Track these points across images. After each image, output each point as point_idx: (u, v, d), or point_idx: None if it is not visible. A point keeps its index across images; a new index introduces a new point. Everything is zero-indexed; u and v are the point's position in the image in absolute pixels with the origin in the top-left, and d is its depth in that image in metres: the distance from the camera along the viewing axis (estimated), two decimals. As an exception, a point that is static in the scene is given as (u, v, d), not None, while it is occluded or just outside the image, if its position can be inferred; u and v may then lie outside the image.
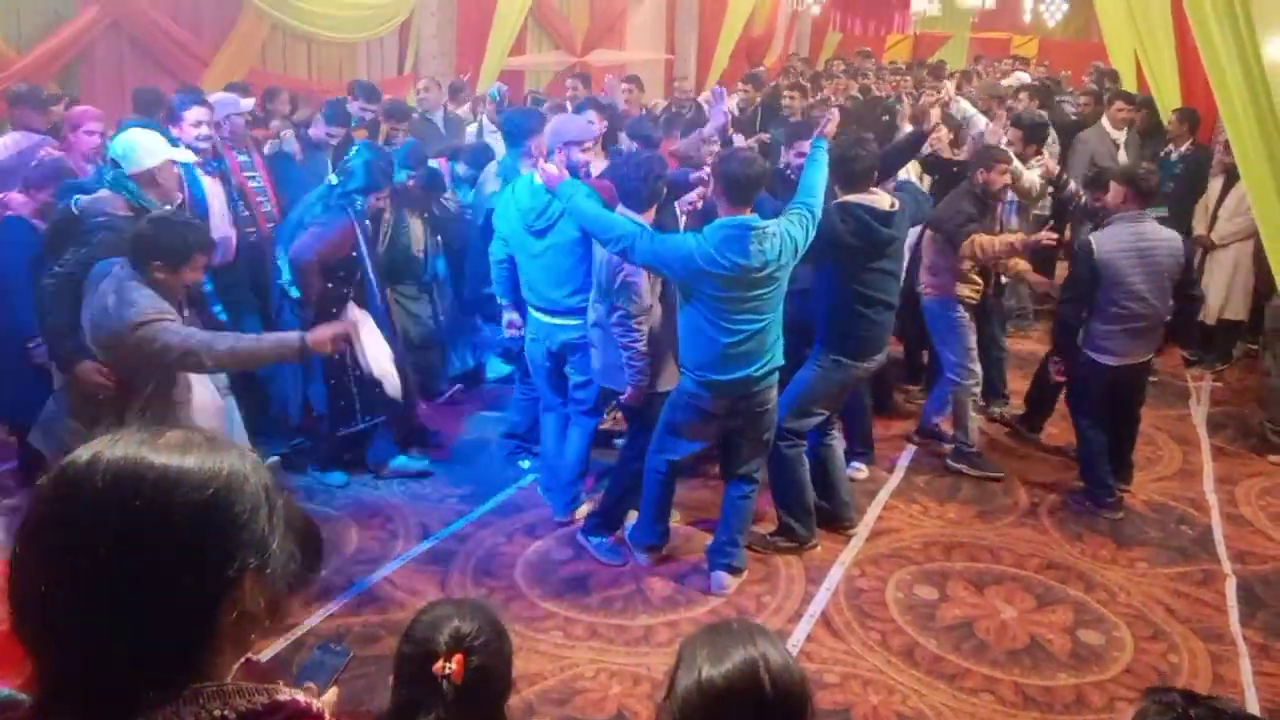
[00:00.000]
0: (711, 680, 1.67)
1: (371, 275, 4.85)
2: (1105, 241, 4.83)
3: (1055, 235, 5.25)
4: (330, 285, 4.75)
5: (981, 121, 5.82)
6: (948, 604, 4.22)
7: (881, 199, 4.36)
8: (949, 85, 6.37)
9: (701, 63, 15.36)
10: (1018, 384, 6.18)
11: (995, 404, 6.01)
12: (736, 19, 15.40)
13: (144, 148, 4.16)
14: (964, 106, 5.90)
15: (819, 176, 4.15)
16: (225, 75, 7.89)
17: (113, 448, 1.00)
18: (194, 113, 4.96)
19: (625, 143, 5.86)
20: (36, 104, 5.70)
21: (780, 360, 4.08)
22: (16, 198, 4.51)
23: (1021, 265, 5.37)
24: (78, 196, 4.15)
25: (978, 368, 5.38)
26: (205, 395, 3.89)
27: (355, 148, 5.04)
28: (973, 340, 5.34)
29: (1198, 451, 5.84)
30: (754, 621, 2.05)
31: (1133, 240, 4.80)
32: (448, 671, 1.86)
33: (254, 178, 5.43)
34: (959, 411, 5.43)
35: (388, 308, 5.07)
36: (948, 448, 5.55)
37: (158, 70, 7.75)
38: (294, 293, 4.76)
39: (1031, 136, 6.21)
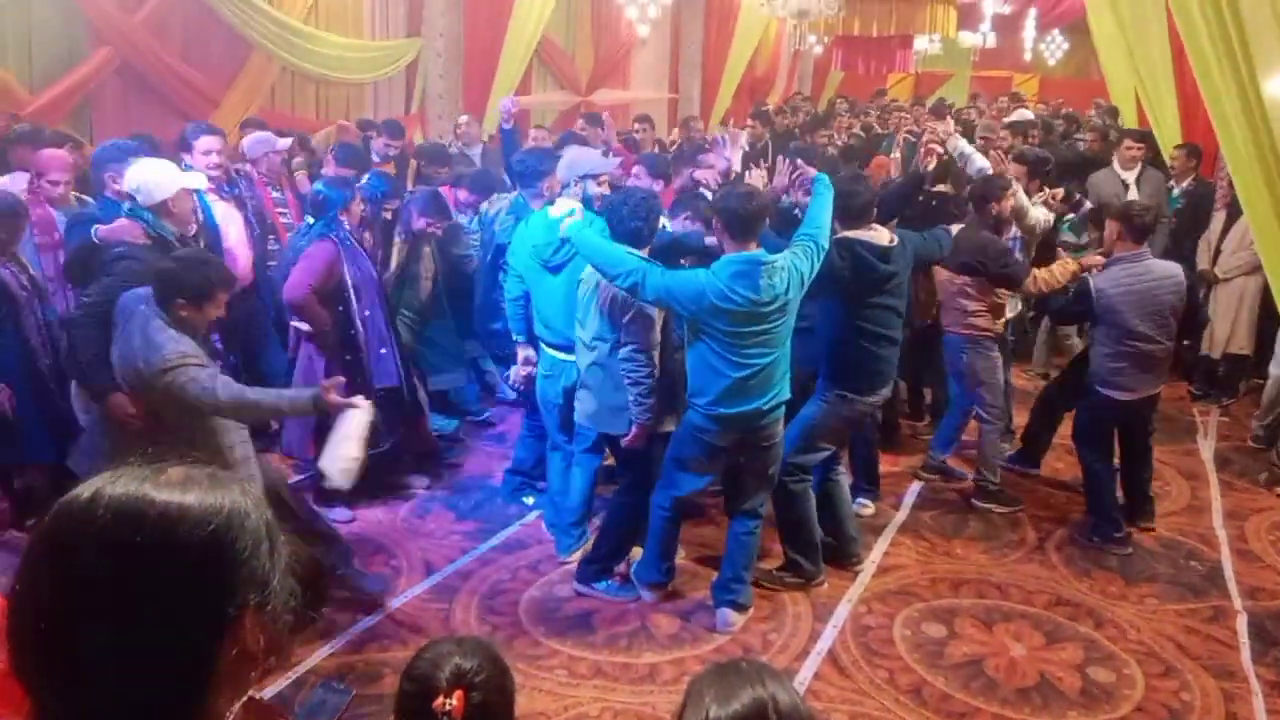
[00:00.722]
0: None
1: (372, 293, 4.89)
2: (1104, 284, 4.86)
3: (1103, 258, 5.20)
4: (340, 308, 4.80)
5: (979, 159, 5.85)
6: (956, 641, 4.18)
7: (880, 235, 4.38)
8: (946, 123, 6.37)
9: (705, 102, 15.50)
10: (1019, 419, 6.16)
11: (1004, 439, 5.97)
12: (740, 58, 15.56)
13: (155, 181, 4.23)
14: (961, 144, 5.93)
15: (824, 210, 4.16)
16: (234, 114, 7.98)
17: (113, 485, 1.00)
18: (204, 141, 5.10)
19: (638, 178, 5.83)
20: (37, 144, 5.69)
21: (787, 394, 4.07)
22: None
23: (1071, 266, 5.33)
24: (96, 226, 4.25)
25: (1002, 401, 5.38)
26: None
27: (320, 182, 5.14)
28: (1001, 377, 5.34)
29: (1206, 486, 5.80)
30: (762, 661, 2.02)
31: (1131, 282, 4.81)
32: (448, 708, 1.84)
33: (285, 213, 5.64)
34: (988, 450, 5.41)
35: (392, 324, 5.11)
36: (965, 484, 5.54)
37: (166, 110, 7.83)
38: (304, 328, 4.82)
39: (1035, 172, 6.23)
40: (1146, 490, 5.25)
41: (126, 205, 4.29)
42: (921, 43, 15.19)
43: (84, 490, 1.00)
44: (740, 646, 4.10)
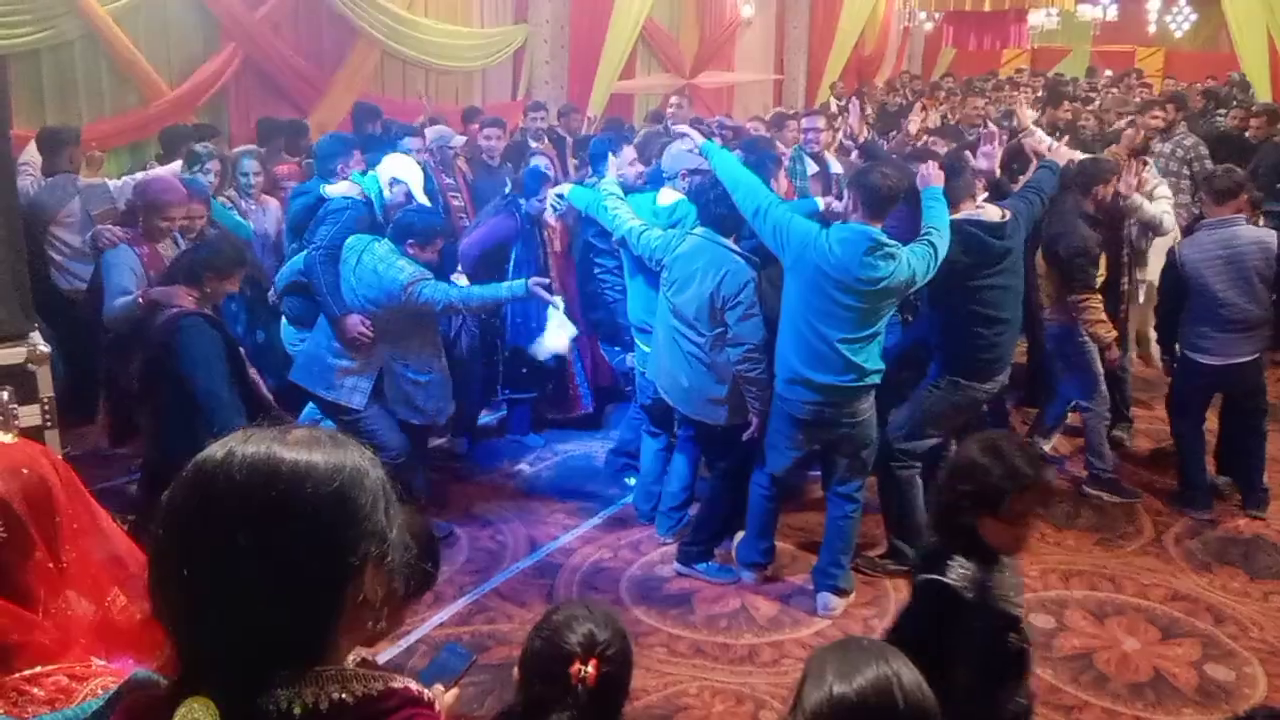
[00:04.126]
0: (843, 696, 1.64)
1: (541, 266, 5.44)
2: (1188, 250, 4.83)
3: None
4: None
5: (1064, 154, 5.53)
6: (1066, 634, 4.07)
7: (990, 211, 4.26)
8: (1026, 113, 5.95)
9: (811, 83, 15.30)
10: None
11: (1119, 428, 5.77)
12: (847, 38, 15.30)
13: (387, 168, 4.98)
14: (1041, 137, 5.66)
15: (941, 214, 4.06)
16: (339, 102, 8.31)
17: (245, 445, 1.07)
18: (410, 142, 5.88)
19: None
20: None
21: (875, 379, 4.01)
22: None
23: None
24: (323, 185, 5.02)
25: (1105, 389, 5.21)
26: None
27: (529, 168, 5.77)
28: (1098, 365, 5.17)
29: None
30: (880, 640, 2.02)
31: (1215, 246, 4.73)
32: (584, 675, 1.90)
33: (457, 196, 6.30)
34: (1093, 439, 5.25)
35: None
36: (1078, 473, 5.38)
37: (278, 98, 8.18)
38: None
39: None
40: (1255, 476, 5.05)
41: (355, 174, 5.05)
42: (1038, 17, 14.70)
43: (218, 449, 1.08)
44: (841, 631, 4.08)
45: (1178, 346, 5.02)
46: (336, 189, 4.96)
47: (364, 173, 5.08)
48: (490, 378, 5.64)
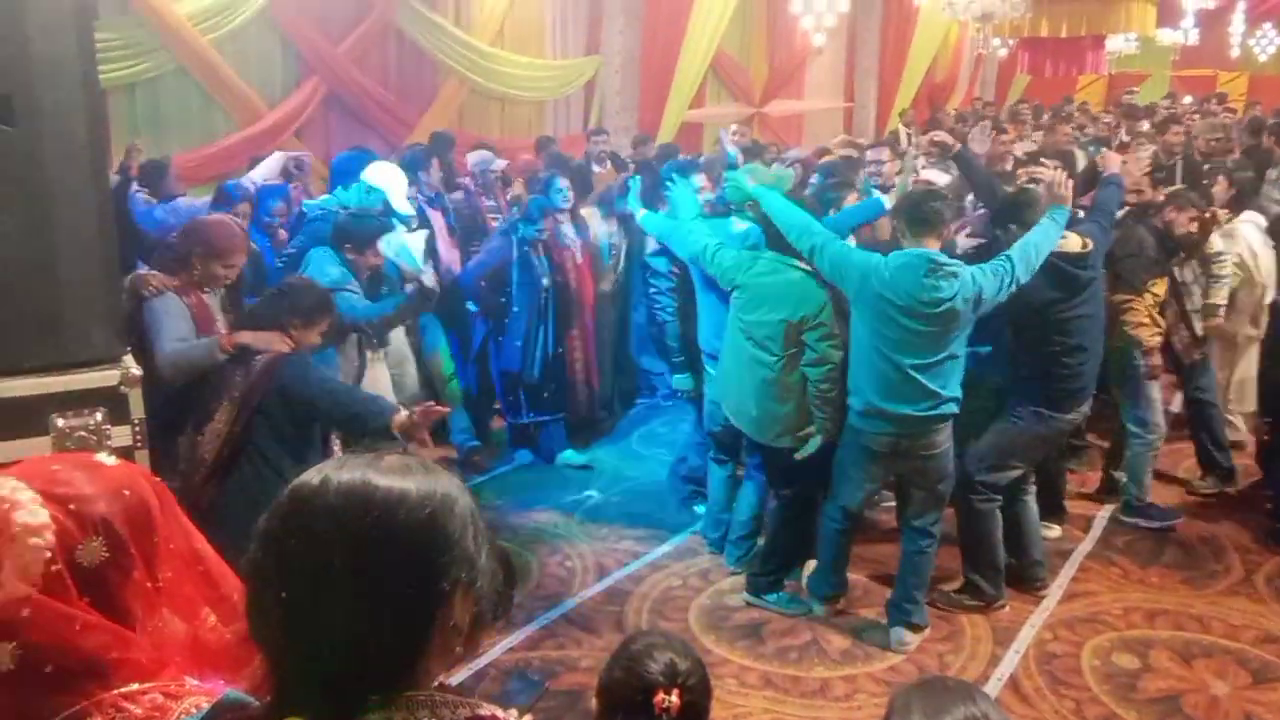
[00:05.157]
0: None
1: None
2: None
3: None
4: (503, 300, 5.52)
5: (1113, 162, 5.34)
6: (1151, 675, 3.94)
7: (1071, 241, 4.17)
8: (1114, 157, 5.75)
9: (882, 110, 15.22)
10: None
11: (1212, 476, 5.51)
12: (918, 65, 15.21)
13: (384, 183, 5.13)
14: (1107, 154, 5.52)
15: (1045, 236, 3.98)
16: (426, 135, 8.49)
17: (340, 472, 1.10)
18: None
19: None
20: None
21: (954, 409, 3.94)
22: None
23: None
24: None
25: (1160, 420, 5.05)
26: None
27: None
28: (1156, 391, 5.00)
29: None
30: (967, 680, 1.96)
31: None
32: (668, 705, 1.89)
33: (497, 219, 6.58)
34: (1135, 465, 5.10)
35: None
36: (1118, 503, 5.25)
37: (365, 130, 8.41)
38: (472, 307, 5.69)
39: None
40: None
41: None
42: (1116, 42, 14.41)
43: (313, 476, 1.10)
44: (915, 666, 3.99)
45: None
46: (315, 200, 5.19)
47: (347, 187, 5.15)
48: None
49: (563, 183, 5.96)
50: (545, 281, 5.69)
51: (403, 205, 5.13)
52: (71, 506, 1.32)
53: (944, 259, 3.78)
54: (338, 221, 4.60)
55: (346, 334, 4.39)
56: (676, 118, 11.12)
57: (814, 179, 6.13)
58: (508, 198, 7.05)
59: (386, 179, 5.11)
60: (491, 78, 9.34)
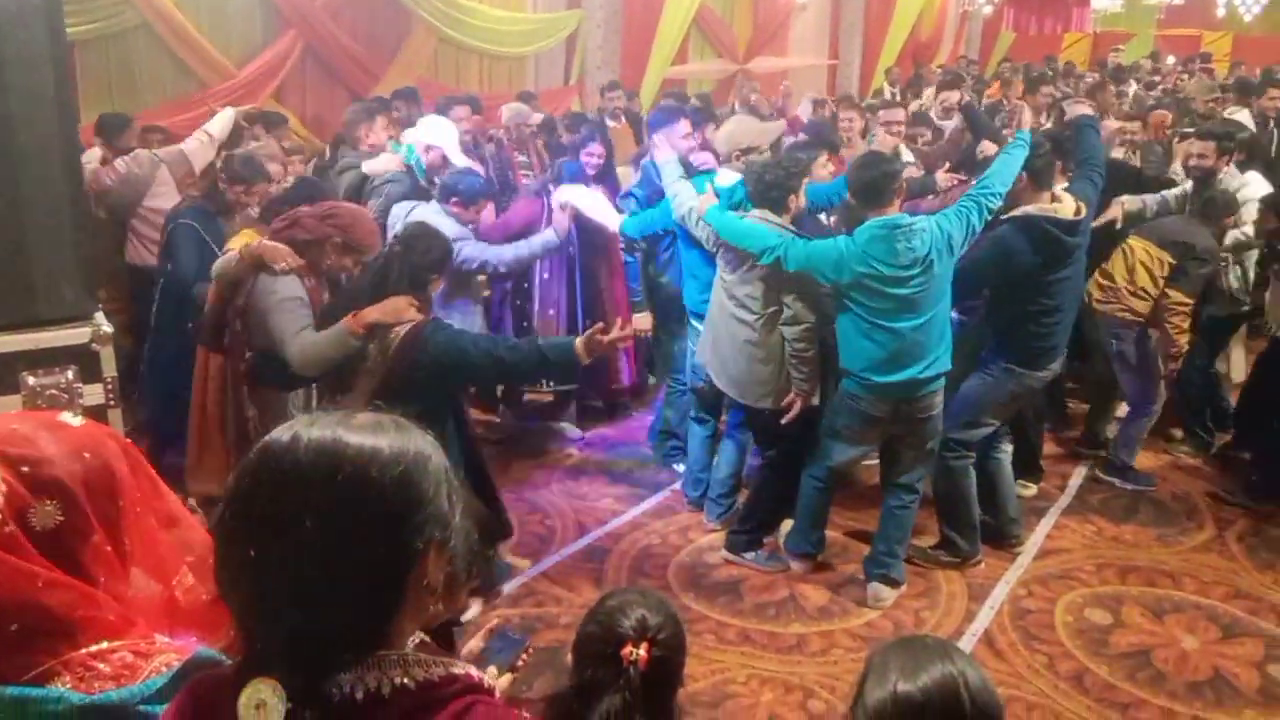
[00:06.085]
0: (908, 695, 1.61)
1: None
2: None
3: None
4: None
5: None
6: (1122, 630, 4.00)
7: (1065, 206, 4.13)
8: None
9: (865, 68, 15.11)
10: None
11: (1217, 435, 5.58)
12: (903, 22, 15.09)
13: (420, 133, 5.22)
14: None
15: (1006, 170, 4.01)
16: (395, 87, 8.38)
17: (310, 429, 1.08)
18: (457, 111, 6.16)
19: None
20: (266, 126, 6.30)
21: (947, 364, 3.96)
22: None
23: None
24: (364, 163, 5.24)
25: (1163, 391, 5.08)
26: None
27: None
28: (1156, 366, 5.02)
29: None
30: (943, 638, 1.97)
31: None
32: (635, 658, 1.91)
33: (529, 174, 6.53)
34: (1131, 433, 5.16)
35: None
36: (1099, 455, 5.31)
37: (335, 84, 8.28)
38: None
39: (1224, 148, 5.61)
40: None
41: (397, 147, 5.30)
42: (1101, 1, 14.31)
43: (283, 433, 1.08)
44: (891, 623, 4.04)
45: None
46: (376, 164, 5.18)
47: (398, 142, 5.28)
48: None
49: (596, 148, 5.79)
50: (572, 250, 5.45)
51: (458, 157, 5.24)
52: (24, 469, 1.28)
53: (906, 219, 3.78)
54: (446, 181, 4.80)
55: (470, 282, 4.81)
56: (659, 74, 11.01)
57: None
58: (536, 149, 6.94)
59: (439, 134, 5.22)
60: (465, 30, 9.19)
